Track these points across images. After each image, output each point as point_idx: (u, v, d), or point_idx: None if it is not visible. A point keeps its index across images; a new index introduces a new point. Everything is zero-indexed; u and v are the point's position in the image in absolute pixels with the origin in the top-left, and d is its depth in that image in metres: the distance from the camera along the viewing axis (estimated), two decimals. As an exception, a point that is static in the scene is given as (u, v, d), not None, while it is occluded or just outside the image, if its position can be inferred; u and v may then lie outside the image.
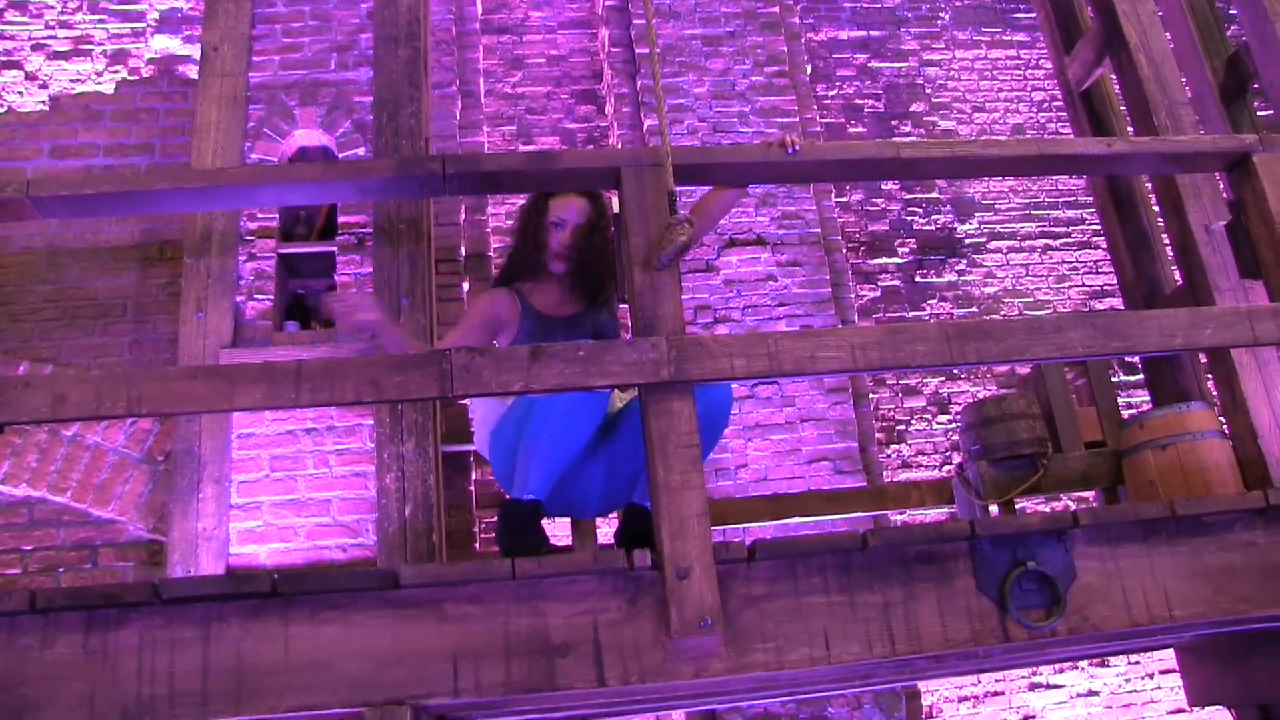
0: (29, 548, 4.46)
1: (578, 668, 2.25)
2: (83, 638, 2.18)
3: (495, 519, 2.77)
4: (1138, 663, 6.25)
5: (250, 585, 2.21)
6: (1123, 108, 4.36)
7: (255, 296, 4.23)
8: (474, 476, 4.77)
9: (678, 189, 2.91)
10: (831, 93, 7.71)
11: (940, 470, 6.64)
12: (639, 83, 6.22)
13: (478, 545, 4.59)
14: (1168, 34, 4.16)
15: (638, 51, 6.28)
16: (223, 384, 2.32)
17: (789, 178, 3.17)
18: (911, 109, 7.78)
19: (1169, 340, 2.71)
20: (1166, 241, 4.10)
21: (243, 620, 2.21)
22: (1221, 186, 3.84)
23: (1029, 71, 8.08)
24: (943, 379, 6.91)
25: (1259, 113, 4.26)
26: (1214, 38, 4.25)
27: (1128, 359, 6.52)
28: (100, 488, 4.38)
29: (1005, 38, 8.16)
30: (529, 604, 2.29)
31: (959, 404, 6.83)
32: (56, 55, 5.37)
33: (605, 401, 2.81)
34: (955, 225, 7.45)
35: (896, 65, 7.92)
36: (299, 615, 2.23)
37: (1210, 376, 3.80)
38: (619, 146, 6.24)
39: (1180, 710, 6.15)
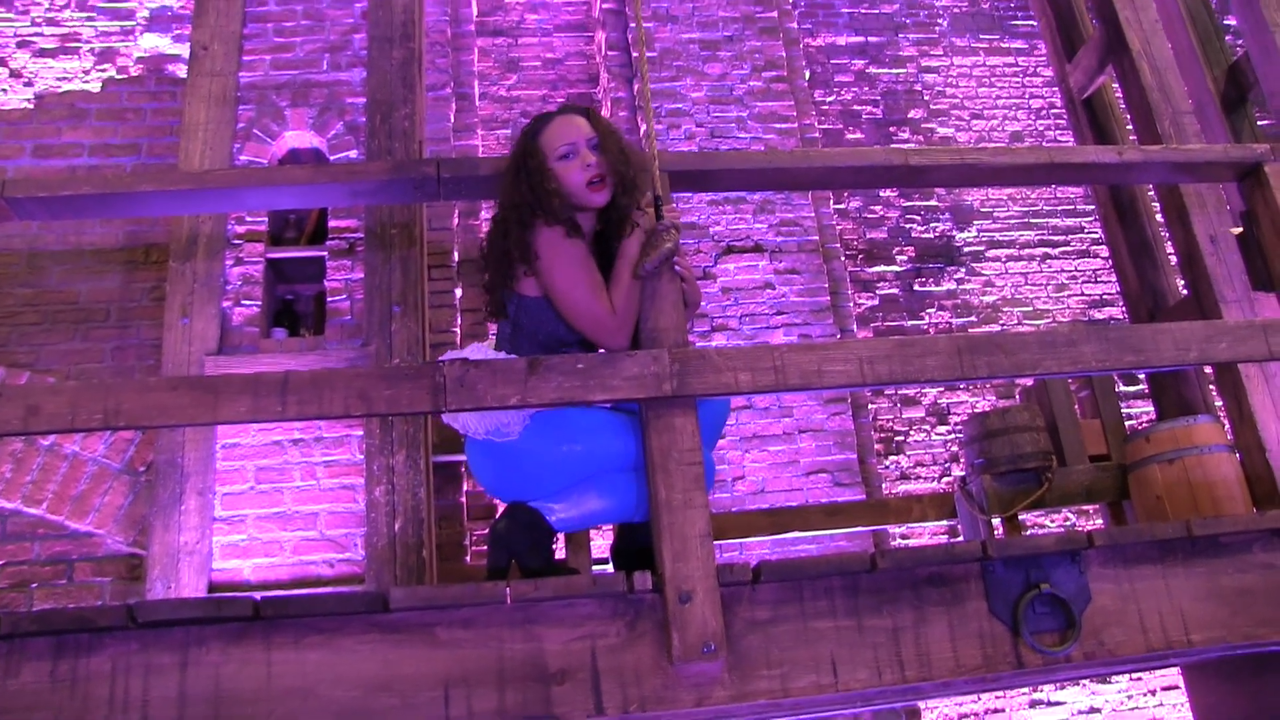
0: (0, 562, 4.31)
1: (575, 695, 2.16)
2: (50, 665, 2.06)
3: (489, 529, 2.55)
4: (1140, 679, 6.18)
5: (231, 609, 2.10)
6: (1125, 115, 4.31)
7: (242, 302, 4.13)
8: (465, 487, 4.67)
9: (676, 196, 2.82)
10: (829, 98, 7.65)
11: (939, 481, 6.57)
12: (636, 87, 6.14)
13: (469, 559, 4.49)
14: (1168, 43, 4.11)
15: (635, 55, 6.19)
16: (206, 396, 2.23)
17: (794, 185, 3.09)
18: (910, 115, 7.73)
19: (1183, 354, 2.62)
20: (1170, 251, 4.04)
21: (223, 645, 2.11)
22: (1225, 196, 3.79)
23: (1027, 79, 8.04)
24: (942, 389, 6.83)
25: (1259, 122, 4.22)
26: (1214, 46, 4.24)
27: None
28: (78, 499, 4.21)
29: (1003, 45, 8.12)
30: (524, 628, 2.20)
31: (958, 415, 6.76)
32: (43, 53, 5.27)
33: None
34: (954, 233, 7.39)
35: (895, 71, 7.86)
36: (282, 640, 2.12)
37: (1215, 388, 3.73)
38: (614, 151, 6.14)
39: (1183, 728, 6.10)
